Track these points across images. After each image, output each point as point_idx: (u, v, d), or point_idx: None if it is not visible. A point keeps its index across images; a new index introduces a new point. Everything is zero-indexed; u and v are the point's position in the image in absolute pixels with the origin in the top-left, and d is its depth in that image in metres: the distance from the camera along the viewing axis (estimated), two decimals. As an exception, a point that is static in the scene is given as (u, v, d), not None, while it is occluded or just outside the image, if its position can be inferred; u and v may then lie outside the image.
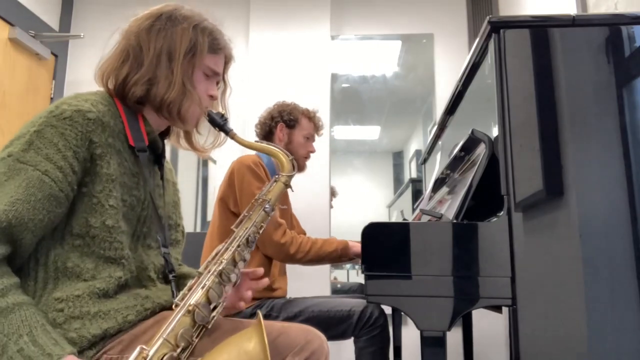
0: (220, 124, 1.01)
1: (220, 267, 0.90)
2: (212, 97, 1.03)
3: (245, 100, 2.81)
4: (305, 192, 2.53)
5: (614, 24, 1.14)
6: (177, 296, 0.87)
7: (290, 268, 1.92)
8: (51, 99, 2.74)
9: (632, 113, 1.09)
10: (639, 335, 1.01)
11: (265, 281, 1.07)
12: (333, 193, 2.78)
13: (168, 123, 1.03)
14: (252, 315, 1.63)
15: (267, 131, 1.91)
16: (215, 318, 0.87)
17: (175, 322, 0.81)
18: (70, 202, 0.85)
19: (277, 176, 1.05)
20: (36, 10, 2.64)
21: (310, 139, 1.92)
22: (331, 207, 2.73)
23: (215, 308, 0.88)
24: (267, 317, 1.61)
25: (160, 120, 1.01)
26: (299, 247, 1.67)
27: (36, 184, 0.80)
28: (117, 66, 0.96)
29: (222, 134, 1.05)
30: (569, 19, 1.14)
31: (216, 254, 0.93)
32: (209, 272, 0.90)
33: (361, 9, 2.98)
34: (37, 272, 0.84)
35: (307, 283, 2.29)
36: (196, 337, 0.83)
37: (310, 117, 1.92)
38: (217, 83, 1.06)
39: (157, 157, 1.04)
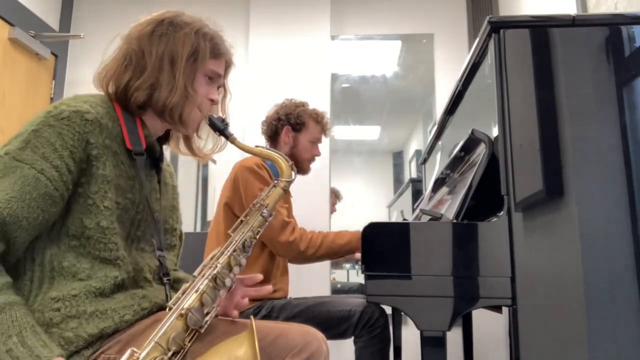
0: (220, 128, 1.02)
1: (215, 272, 0.89)
2: (213, 101, 1.04)
3: (246, 101, 2.81)
4: (305, 192, 2.53)
5: (614, 24, 1.14)
6: (170, 299, 0.86)
7: (291, 267, 1.92)
8: (51, 99, 2.74)
9: (632, 113, 1.09)
10: (638, 335, 1.01)
11: (268, 288, 1.06)
12: (337, 196, 2.76)
13: (167, 128, 1.04)
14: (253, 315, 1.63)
15: (273, 131, 1.85)
16: (208, 322, 0.86)
17: (167, 326, 0.80)
18: (66, 202, 0.85)
19: (276, 181, 1.05)
20: (36, 10, 2.64)
21: (316, 142, 1.86)
22: (335, 210, 2.72)
23: (208, 313, 0.87)
24: (267, 317, 1.61)
25: (160, 124, 1.01)
26: (310, 242, 1.62)
27: (32, 182, 0.80)
28: (119, 71, 0.96)
29: (222, 139, 1.05)
30: (569, 19, 1.14)
31: (212, 258, 0.93)
32: (203, 276, 0.89)
33: (361, 9, 2.97)
34: (33, 272, 0.84)
35: (307, 283, 2.29)
36: (189, 342, 0.82)
37: (318, 120, 1.85)
38: (218, 88, 1.07)
39: (155, 160, 1.04)
